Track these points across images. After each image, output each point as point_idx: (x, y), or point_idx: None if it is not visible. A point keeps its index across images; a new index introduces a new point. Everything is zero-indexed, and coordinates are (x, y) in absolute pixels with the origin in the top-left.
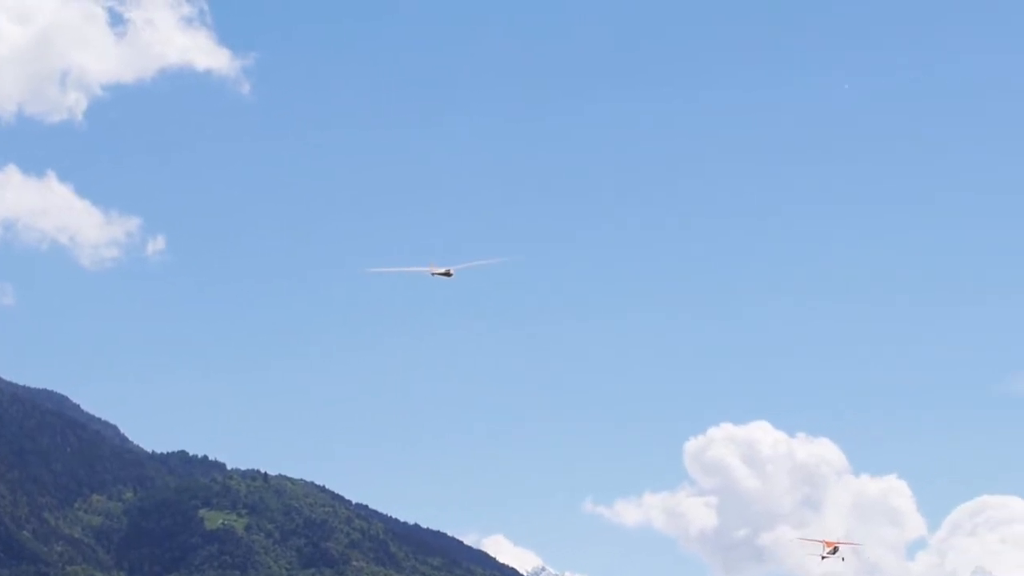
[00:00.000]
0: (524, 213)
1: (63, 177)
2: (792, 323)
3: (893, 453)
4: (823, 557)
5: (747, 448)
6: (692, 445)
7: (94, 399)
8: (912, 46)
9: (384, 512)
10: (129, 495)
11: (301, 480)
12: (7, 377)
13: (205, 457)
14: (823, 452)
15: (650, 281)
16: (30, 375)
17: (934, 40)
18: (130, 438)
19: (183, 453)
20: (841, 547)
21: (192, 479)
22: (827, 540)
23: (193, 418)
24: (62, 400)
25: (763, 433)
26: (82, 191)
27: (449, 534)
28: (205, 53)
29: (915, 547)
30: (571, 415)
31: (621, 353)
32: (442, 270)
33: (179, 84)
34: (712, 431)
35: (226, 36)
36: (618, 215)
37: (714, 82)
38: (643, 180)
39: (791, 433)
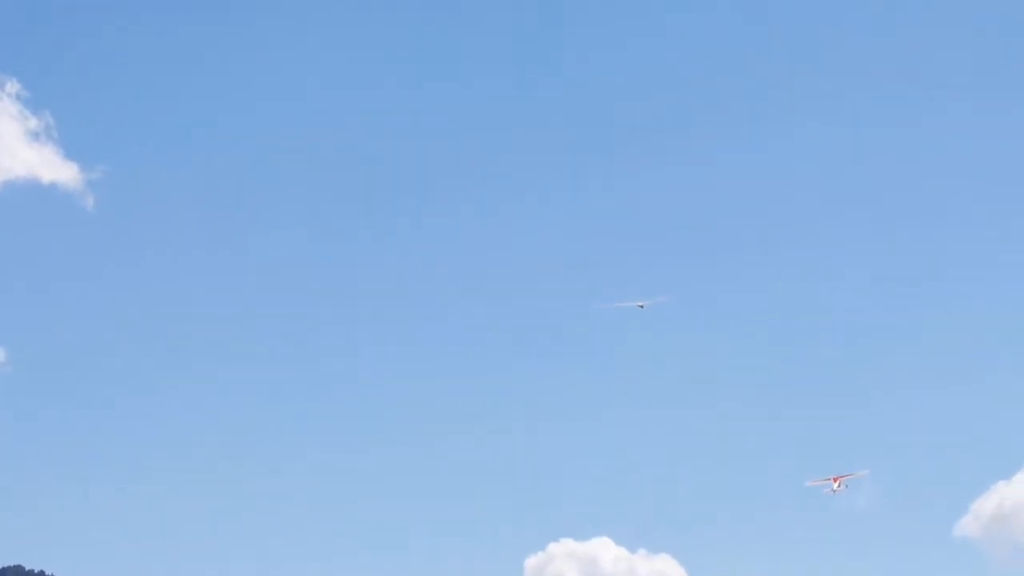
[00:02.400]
0: None
1: None
2: (634, 435)
3: (734, 568)
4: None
5: (588, 564)
6: (532, 562)
7: None
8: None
9: None
10: None
11: None
12: None
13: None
14: (664, 568)
15: (489, 395)
16: None
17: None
18: None
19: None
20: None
21: None
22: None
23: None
24: None
25: (604, 549)
26: None
27: None
28: (51, 166)
29: None
30: (410, 526)
31: (458, 467)
32: None
33: (24, 196)
34: (553, 547)
35: (73, 150)
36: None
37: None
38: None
39: (632, 549)
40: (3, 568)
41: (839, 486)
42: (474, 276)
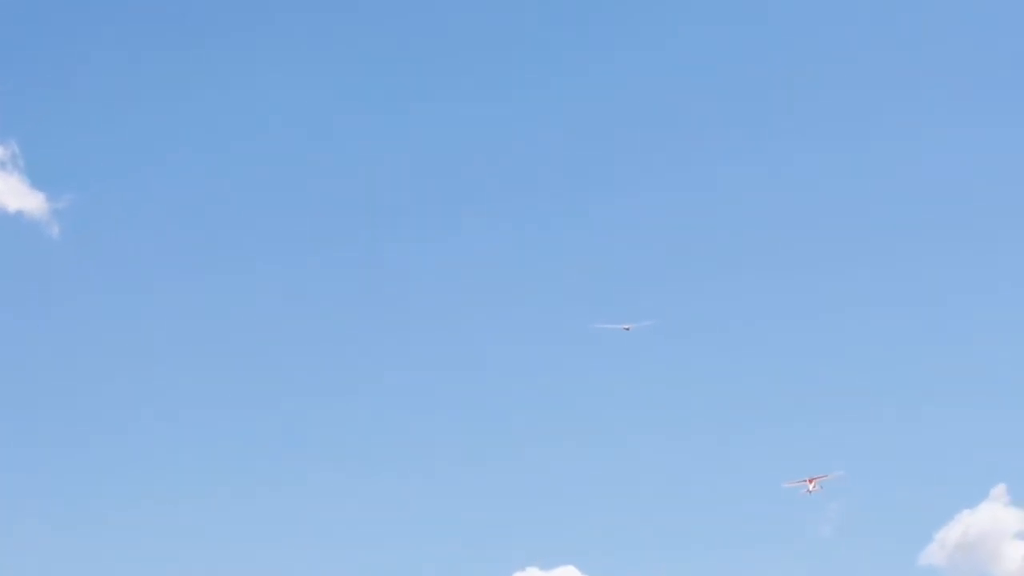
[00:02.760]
0: None
1: None
2: (601, 462)
3: None
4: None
5: None
6: None
7: None
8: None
9: None
10: None
11: None
12: None
13: None
14: None
15: (453, 421)
16: None
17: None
18: None
19: None
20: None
21: None
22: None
23: None
24: None
25: None
26: None
27: None
28: (17, 195)
29: None
30: (366, 556)
31: (422, 495)
32: None
33: None
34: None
35: (39, 179)
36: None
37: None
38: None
39: None
40: None
41: (814, 487)
42: (453, 297)
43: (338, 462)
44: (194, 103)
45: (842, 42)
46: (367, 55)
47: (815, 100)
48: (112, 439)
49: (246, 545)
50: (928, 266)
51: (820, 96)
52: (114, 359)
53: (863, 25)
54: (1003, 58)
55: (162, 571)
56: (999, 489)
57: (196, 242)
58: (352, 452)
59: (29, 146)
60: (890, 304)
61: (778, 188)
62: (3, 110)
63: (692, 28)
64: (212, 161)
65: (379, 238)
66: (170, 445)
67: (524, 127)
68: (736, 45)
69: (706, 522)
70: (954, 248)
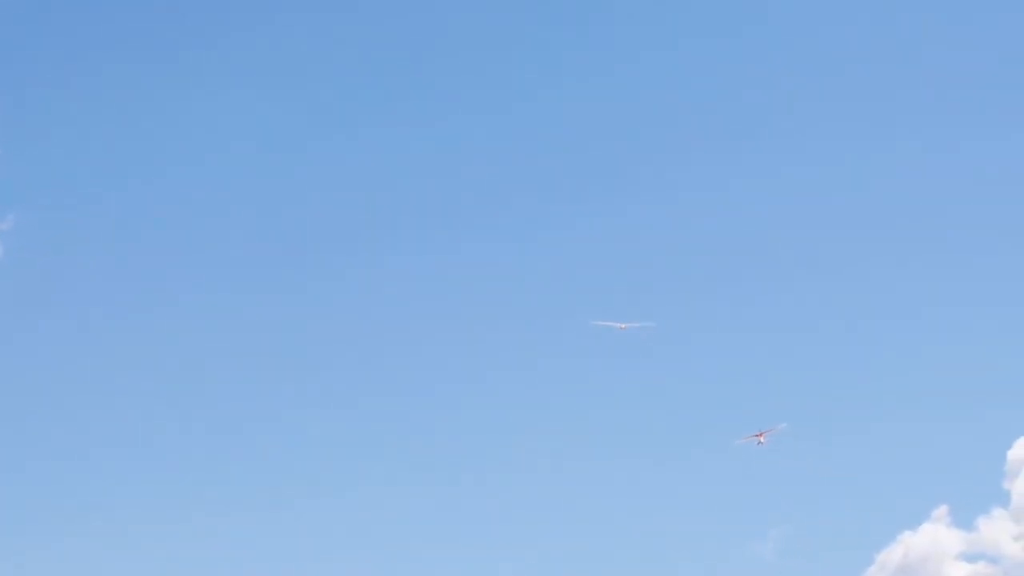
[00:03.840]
0: None
1: None
2: (589, 481)
3: None
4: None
5: None
6: None
7: None
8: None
9: None
10: None
11: None
12: None
13: None
14: None
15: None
16: None
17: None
18: None
19: None
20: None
21: None
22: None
23: None
24: None
25: None
26: None
27: None
28: None
29: None
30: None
31: (413, 514)
32: None
33: None
34: None
35: None
36: None
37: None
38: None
39: None
40: None
41: (764, 439)
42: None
43: (323, 475)
44: (148, 123)
45: (839, 50)
46: (338, 73)
47: (812, 109)
48: (55, 465)
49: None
50: (870, 286)
51: (817, 105)
52: (54, 380)
53: (860, 33)
54: (1000, 70)
55: None
56: (941, 510)
57: (139, 262)
58: (342, 464)
59: None
60: (831, 323)
61: (761, 200)
62: None
63: (690, 37)
64: (160, 182)
65: (364, 249)
66: (125, 467)
67: (524, 132)
68: (733, 51)
69: (647, 544)
70: (898, 267)
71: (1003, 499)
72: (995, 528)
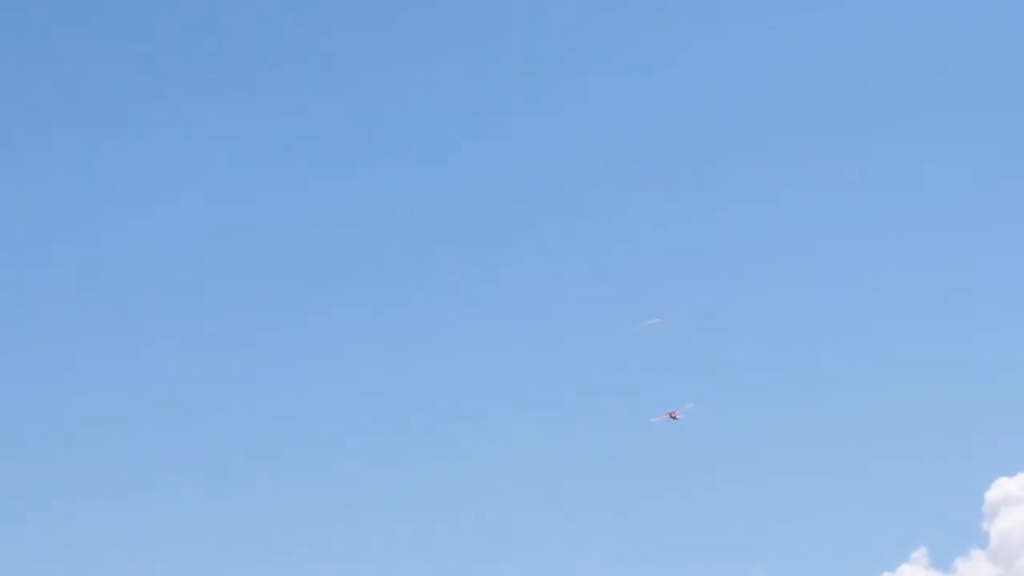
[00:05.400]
0: None
1: None
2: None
3: None
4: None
5: None
6: None
7: None
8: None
9: None
10: None
11: None
12: None
13: None
14: None
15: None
16: None
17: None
18: None
19: None
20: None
21: None
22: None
23: None
24: None
25: None
26: None
27: None
28: None
29: None
30: None
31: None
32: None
33: None
34: None
35: None
36: None
37: None
38: None
39: None
40: None
41: (678, 415)
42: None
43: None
44: (143, 168)
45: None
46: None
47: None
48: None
49: None
50: (847, 324)
51: (818, 125)
52: (50, 428)
53: (859, 62)
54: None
55: None
56: (919, 552)
57: (139, 311)
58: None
59: None
60: (807, 362)
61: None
62: None
63: (689, 53)
64: (158, 227)
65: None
66: (142, 512)
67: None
68: (736, 64)
69: None
70: (873, 306)
71: (981, 540)
72: (973, 570)
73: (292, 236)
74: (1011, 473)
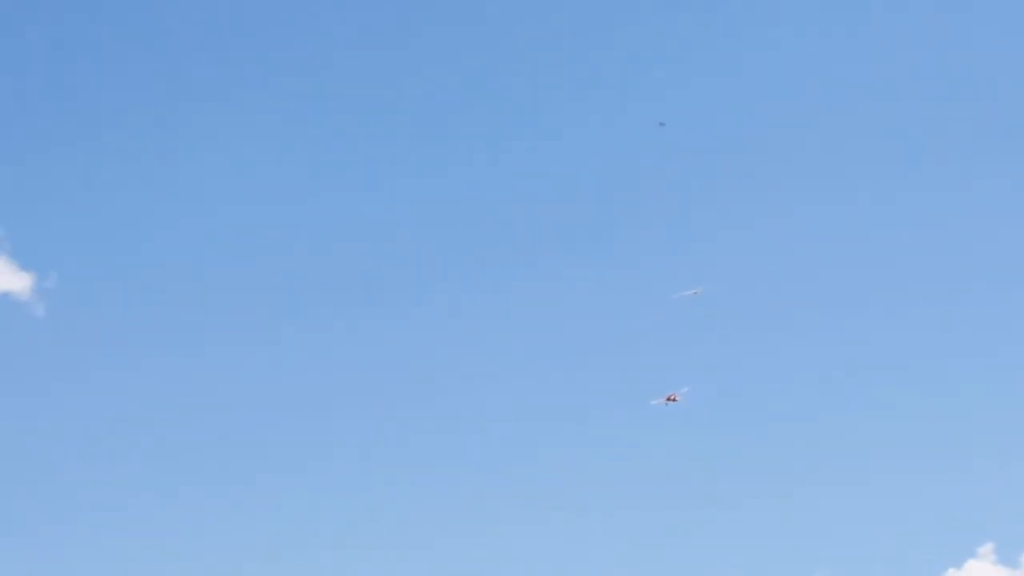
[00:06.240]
0: None
1: None
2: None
3: None
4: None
5: None
6: None
7: None
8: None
9: None
10: None
11: None
12: None
13: None
14: None
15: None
16: None
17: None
18: None
19: None
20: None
21: None
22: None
23: None
24: None
25: None
26: None
27: None
28: (5, 275)
29: None
30: None
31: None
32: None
33: None
34: None
35: (27, 260)
36: None
37: None
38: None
39: None
40: None
41: (678, 398)
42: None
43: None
44: (181, 180)
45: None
46: (348, 130)
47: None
48: (104, 516)
49: None
50: (908, 327)
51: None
52: (100, 437)
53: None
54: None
55: None
56: (986, 548)
57: (183, 319)
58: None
59: (14, 228)
60: (875, 365)
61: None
62: None
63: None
64: (198, 237)
65: (378, 308)
66: (162, 521)
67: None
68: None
69: None
70: (934, 310)
71: None
72: None
73: (299, 244)
74: None
